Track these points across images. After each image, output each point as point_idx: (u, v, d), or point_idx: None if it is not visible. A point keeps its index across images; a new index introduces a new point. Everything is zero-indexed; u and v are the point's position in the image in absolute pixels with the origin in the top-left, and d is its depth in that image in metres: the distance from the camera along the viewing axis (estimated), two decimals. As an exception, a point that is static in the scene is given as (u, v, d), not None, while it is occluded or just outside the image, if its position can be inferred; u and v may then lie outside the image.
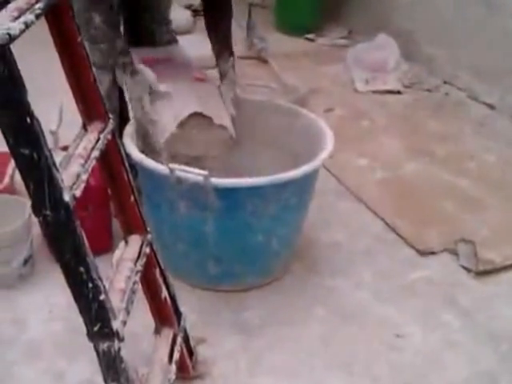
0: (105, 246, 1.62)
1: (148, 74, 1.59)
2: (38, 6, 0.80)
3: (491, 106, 2.69)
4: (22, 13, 0.78)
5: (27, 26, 0.77)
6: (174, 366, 1.18)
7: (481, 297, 1.63)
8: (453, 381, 1.38)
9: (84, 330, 0.95)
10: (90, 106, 1.01)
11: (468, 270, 1.72)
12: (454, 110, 2.72)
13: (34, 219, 1.56)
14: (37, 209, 0.85)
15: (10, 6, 0.79)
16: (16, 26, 0.75)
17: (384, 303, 1.60)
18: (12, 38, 0.74)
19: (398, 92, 2.85)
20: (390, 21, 3.18)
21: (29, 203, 1.53)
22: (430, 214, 1.96)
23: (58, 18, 0.92)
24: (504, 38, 2.61)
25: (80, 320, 0.95)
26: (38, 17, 0.80)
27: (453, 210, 1.98)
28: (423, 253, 1.79)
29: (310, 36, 3.47)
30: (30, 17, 0.78)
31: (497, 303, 1.62)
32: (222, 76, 1.69)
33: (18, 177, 1.72)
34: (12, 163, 1.82)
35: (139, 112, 1.61)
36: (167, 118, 1.58)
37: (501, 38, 2.63)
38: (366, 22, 3.35)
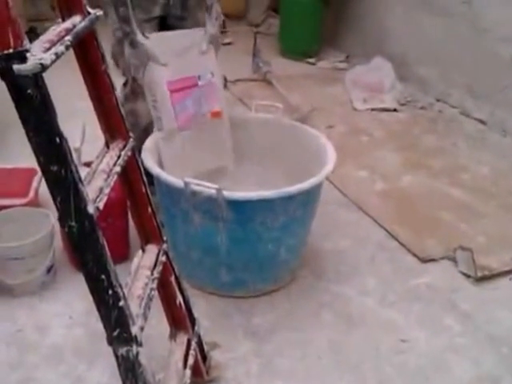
0: (123, 255, 1.59)
1: (147, 46, 1.53)
2: (67, 38, 0.83)
3: (482, 122, 2.68)
4: (53, 44, 0.80)
5: (58, 56, 0.78)
6: (188, 371, 1.14)
7: (480, 301, 1.59)
8: (457, 383, 1.33)
9: (102, 335, 0.92)
10: (112, 126, 1.02)
11: (467, 275, 1.68)
12: (447, 125, 2.70)
13: (57, 230, 1.57)
14: (63, 220, 0.84)
15: (42, 39, 0.81)
16: (48, 57, 0.76)
17: (388, 308, 1.55)
18: (44, 68, 0.75)
19: (395, 110, 2.84)
20: (384, 45, 3.18)
21: (52, 215, 1.53)
22: (429, 223, 1.93)
23: (85, 49, 0.94)
24: (492, 58, 2.61)
25: (99, 326, 0.92)
26: (67, 48, 0.82)
27: (450, 218, 1.95)
28: (424, 260, 1.75)
29: (311, 60, 3.48)
30: (60, 48, 0.80)
31: (495, 307, 1.57)
32: (208, 8, 1.64)
33: (41, 190, 1.73)
34: (36, 178, 1.81)
35: (139, 77, 1.57)
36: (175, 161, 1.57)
37: (489, 58, 2.62)
38: (362, 47, 3.36)
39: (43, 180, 0.84)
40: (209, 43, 1.62)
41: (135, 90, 1.70)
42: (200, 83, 1.61)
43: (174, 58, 1.56)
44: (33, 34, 0.81)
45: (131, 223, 1.41)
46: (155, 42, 1.55)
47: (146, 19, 1.60)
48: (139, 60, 1.54)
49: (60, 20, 0.89)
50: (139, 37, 1.53)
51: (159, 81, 1.54)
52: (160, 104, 1.56)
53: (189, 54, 1.60)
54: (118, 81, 1.02)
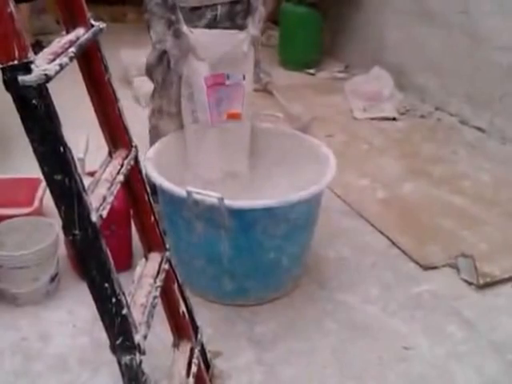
0: (126, 264, 1.59)
1: (190, 38, 1.51)
2: (71, 50, 0.83)
3: (481, 130, 2.67)
4: (57, 56, 0.80)
5: (62, 67, 0.79)
6: (191, 379, 1.13)
7: (482, 308, 1.57)
8: (461, 391, 1.31)
9: (106, 343, 0.91)
10: (115, 136, 1.02)
11: (469, 283, 1.66)
12: (446, 133, 2.70)
13: (61, 239, 1.57)
14: (67, 229, 0.84)
15: (47, 50, 0.81)
16: (52, 68, 0.77)
17: (391, 316, 1.54)
18: (48, 78, 0.76)
19: (394, 119, 2.84)
20: (382, 55, 3.20)
21: (56, 224, 1.53)
22: (430, 231, 1.91)
23: (88, 60, 0.94)
24: (489, 66, 2.61)
25: (102, 334, 0.92)
26: (71, 59, 0.82)
27: (451, 226, 1.94)
28: (426, 267, 1.73)
29: (311, 71, 3.49)
30: (64, 59, 0.80)
31: (498, 314, 1.55)
32: (253, 11, 1.60)
33: (46, 200, 1.73)
34: (41, 188, 1.81)
35: (179, 69, 1.55)
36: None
37: (486, 67, 2.63)
38: (360, 57, 3.37)
39: (48, 189, 0.84)
40: (250, 45, 1.61)
41: (161, 108, 1.70)
42: (227, 83, 1.59)
43: (213, 55, 1.55)
44: (38, 47, 0.81)
45: (134, 232, 1.41)
46: (198, 36, 1.53)
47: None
48: (181, 51, 1.53)
49: (64, 33, 0.90)
50: (184, 27, 1.51)
51: (198, 75, 1.54)
52: (197, 98, 1.55)
53: (227, 54, 1.57)
54: (122, 92, 1.02)
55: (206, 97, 1.55)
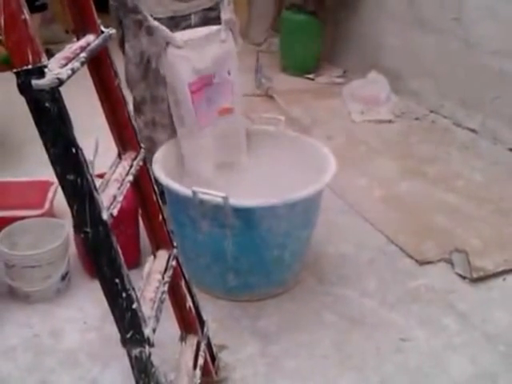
0: (134, 261, 1.59)
1: (162, 29, 1.47)
2: (82, 55, 0.84)
3: (474, 131, 2.67)
4: (69, 61, 0.81)
5: (74, 71, 0.80)
6: (198, 371, 1.13)
7: (476, 302, 1.58)
8: (456, 381, 1.32)
9: (115, 338, 0.91)
10: (124, 138, 1.03)
11: (463, 277, 1.67)
12: (440, 135, 2.70)
13: (71, 239, 1.57)
14: (79, 227, 0.85)
15: (59, 56, 0.82)
16: (64, 72, 0.78)
17: (389, 309, 1.54)
18: (61, 82, 0.76)
19: (390, 121, 2.84)
20: (379, 60, 3.20)
21: (66, 225, 1.53)
22: (426, 228, 1.92)
23: (98, 66, 0.95)
24: (481, 70, 2.61)
25: (111, 330, 0.92)
26: (82, 64, 0.83)
27: (445, 223, 1.94)
28: (422, 262, 1.74)
29: (310, 76, 3.50)
30: (76, 64, 0.81)
31: (491, 307, 1.56)
32: None
33: (56, 201, 1.74)
34: (52, 189, 1.82)
35: (161, 66, 1.52)
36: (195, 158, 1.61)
37: (479, 70, 2.63)
38: (358, 63, 3.38)
39: (58, 191, 0.85)
40: (227, 30, 1.57)
41: (154, 121, 1.70)
42: (214, 81, 1.58)
43: (194, 52, 1.51)
44: (49, 55, 0.83)
45: (142, 232, 1.42)
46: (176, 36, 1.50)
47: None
48: (158, 45, 1.49)
49: (75, 39, 0.90)
50: (152, 21, 1.48)
51: (181, 82, 1.52)
52: (182, 104, 1.55)
53: (207, 49, 1.54)
54: (131, 96, 1.03)
55: (190, 103, 1.54)
